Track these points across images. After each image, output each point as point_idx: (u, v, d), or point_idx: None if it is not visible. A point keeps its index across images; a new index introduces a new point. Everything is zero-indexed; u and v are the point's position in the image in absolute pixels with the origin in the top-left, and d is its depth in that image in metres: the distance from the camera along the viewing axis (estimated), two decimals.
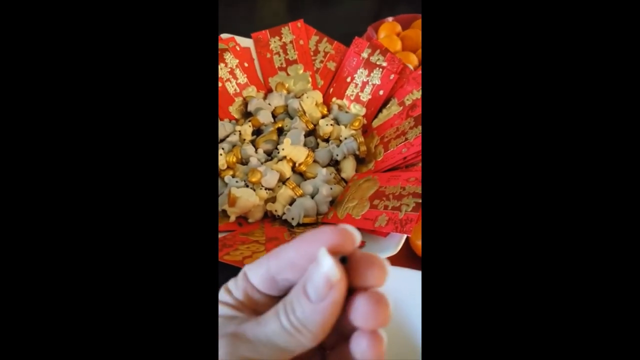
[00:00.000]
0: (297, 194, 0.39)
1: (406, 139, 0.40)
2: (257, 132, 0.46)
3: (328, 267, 0.14)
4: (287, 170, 0.40)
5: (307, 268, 0.15)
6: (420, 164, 0.38)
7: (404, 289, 0.27)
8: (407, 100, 0.45)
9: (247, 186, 0.39)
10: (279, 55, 0.49)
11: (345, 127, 0.45)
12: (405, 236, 0.31)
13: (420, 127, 0.40)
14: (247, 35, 0.49)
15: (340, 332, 0.16)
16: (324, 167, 0.42)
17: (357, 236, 0.15)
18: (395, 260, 0.36)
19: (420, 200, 0.32)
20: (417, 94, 0.44)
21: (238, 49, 0.48)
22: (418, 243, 0.37)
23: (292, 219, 0.37)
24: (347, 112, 0.48)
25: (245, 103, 0.47)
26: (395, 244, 0.31)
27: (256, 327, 0.14)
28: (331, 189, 0.39)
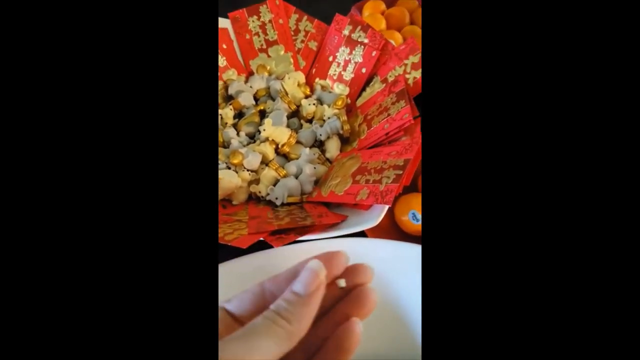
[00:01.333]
0: (281, 174, 0.39)
1: (388, 115, 0.40)
2: (239, 115, 0.46)
3: (315, 264, 0.17)
4: (269, 152, 0.40)
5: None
6: (402, 139, 0.38)
7: (388, 259, 0.28)
8: (390, 77, 0.45)
9: (230, 168, 0.39)
10: (259, 36, 0.50)
11: (329, 107, 0.45)
12: (386, 208, 0.31)
13: (402, 102, 0.40)
14: (224, 15, 0.49)
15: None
16: (307, 147, 0.42)
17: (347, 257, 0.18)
18: (381, 236, 0.36)
19: (401, 172, 0.32)
20: (400, 70, 0.44)
21: None
22: (403, 219, 0.38)
23: (276, 198, 0.38)
24: (330, 92, 0.48)
25: (226, 86, 0.48)
26: (376, 216, 0.31)
27: (241, 332, 0.16)
28: (315, 168, 0.39)
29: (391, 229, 0.38)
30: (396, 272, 0.27)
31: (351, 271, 0.19)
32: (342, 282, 0.19)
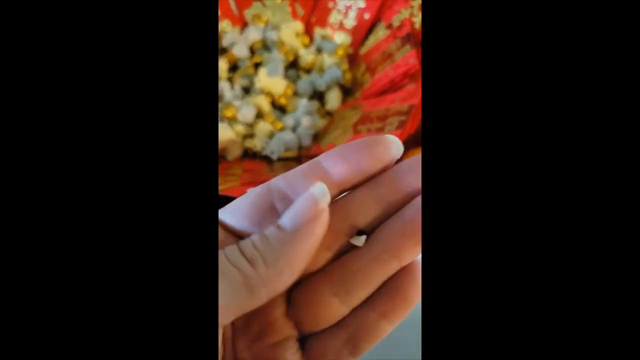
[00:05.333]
0: (277, 128, 0.39)
1: (393, 61, 0.40)
2: (234, 69, 0.46)
3: (318, 189, 0.14)
4: (264, 104, 0.40)
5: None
6: (408, 86, 0.38)
7: None
8: (395, 21, 0.44)
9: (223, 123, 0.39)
10: None
11: (329, 56, 0.44)
12: None
13: (407, 47, 0.39)
14: None
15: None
16: (305, 99, 0.42)
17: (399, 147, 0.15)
18: None
19: (404, 118, 0.32)
20: (406, 13, 0.43)
21: None
22: None
23: (272, 152, 0.37)
24: (331, 41, 0.47)
25: (219, 38, 0.47)
26: None
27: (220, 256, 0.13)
28: (313, 120, 0.39)
29: None
30: None
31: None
32: (360, 240, 0.15)
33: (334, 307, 0.15)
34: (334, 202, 0.16)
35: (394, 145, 0.15)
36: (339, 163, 0.15)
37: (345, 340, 0.15)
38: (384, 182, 0.15)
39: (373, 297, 0.15)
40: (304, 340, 0.16)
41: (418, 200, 0.15)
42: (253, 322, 0.15)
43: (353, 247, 0.16)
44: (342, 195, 0.16)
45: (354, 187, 0.16)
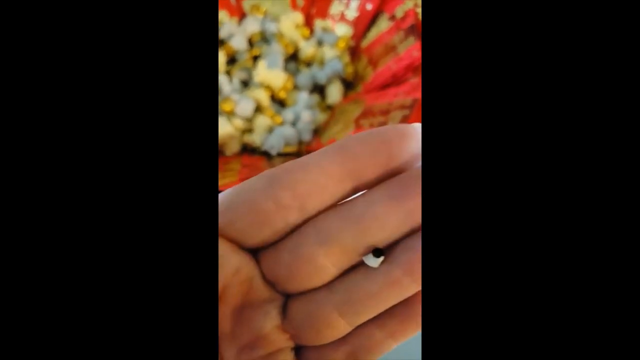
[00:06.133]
0: (276, 122, 0.39)
1: (396, 54, 0.39)
2: (232, 62, 0.45)
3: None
4: (263, 98, 0.39)
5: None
6: (412, 79, 0.37)
7: None
8: (399, 12, 0.43)
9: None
10: None
11: (330, 48, 0.44)
12: None
13: (411, 39, 0.38)
14: None
15: None
16: (306, 93, 0.41)
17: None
18: None
19: (408, 112, 0.31)
20: (410, 4, 0.43)
21: None
22: None
23: (271, 147, 0.37)
24: (332, 34, 0.46)
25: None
26: None
27: None
28: (314, 115, 0.38)
29: None
30: None
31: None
32: (375, 261, 0.13)
33: (338, 327, 0.14)
34: (346, 207, 0.13)
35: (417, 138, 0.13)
36: (357, 156, 0.13)
37: (346, 355, 0.14)
38: (412, 193, 0.13)
39: (382, 316, 0.14)
40: (299, 349, 0.15)
41: None
42: (242, 333, 0.14)
43: (364, 264, 0.14)
44: (356, 199, 0.13)
45: (369, 186, 0.13)
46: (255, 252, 0.14)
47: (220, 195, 0.13)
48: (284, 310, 0.14)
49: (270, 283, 0.14)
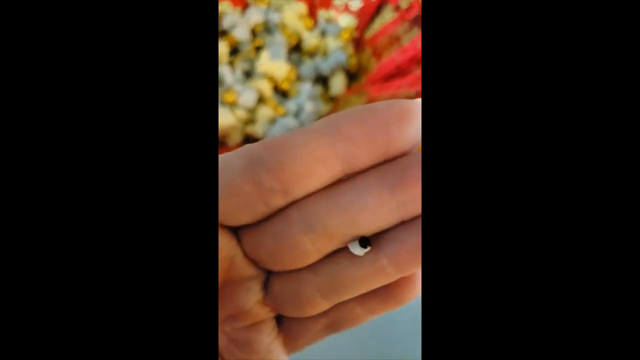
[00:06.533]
0: (279, 113, 0.38)
1: (400, 46, 0.39)
2: (234, 52, 0.45)
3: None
4: (266, 88, 0.39)
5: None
6: (416, 71, 0.37)
7: None
8: (403, 3, 0.43)
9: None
10: None
11: (334, 39, 0.43)
12: None
13: (415, 30, 0.38)
14: None
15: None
16: (309, 84, 0.41)
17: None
18: None
19: None
20: None
21: None
22: None
23: None
24: (335, 24, 0.46)
25: (219, 20, 0.46)
26: None
27: None
28: (317, 106, 0.38)
29: None
30: None
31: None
32: (360, 250, 0.12)
33: (319, 306, 0.13)
34: (334, 193, 0.12)
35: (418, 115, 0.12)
36: (350, 139, 0.11)
37: (325, 325, 0.14)
38: (407, 184, 0.12)
39: (363, 295, 0.14)
40: (280, 317, 0.15)
41: None
42: (225, 307, 0.14)
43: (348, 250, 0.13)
44: (346, 185, 0.12)
45: (361, 170, 0.12)
46: (237, 230, 0.13)
47: None
48: (266, 286, 0.14)
49: (252, 261, 0.13)
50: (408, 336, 0.25)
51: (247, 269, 0.13)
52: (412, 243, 0.12)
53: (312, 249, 0.13)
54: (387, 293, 0.14)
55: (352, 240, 0.13)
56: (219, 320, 0.14)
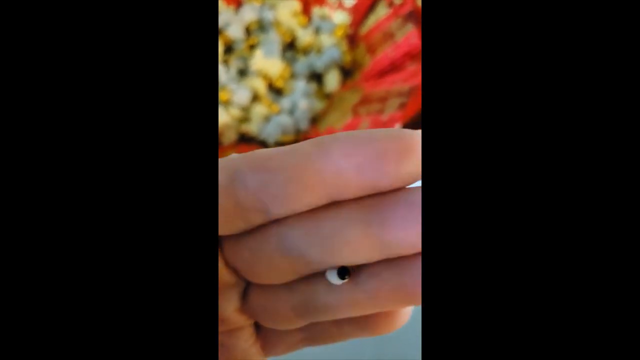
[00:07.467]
0: (274, 110, 0.38)
1: (394, 41, 0.38)
2: (229, 51, 0.44)
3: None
4: (260, 86, 0.39)
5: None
6: (409, 66, 0.36)
7: None
8: None
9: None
10: None
11: (328, 36, 0.43)
12: None
13: (409, 25, 0.38)
14: None
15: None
16: (303, 81, 0.40)
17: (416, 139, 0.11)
18: None
19: (405, 100, 0.30)
20: None
21: None
22: None
23: (269, 136, 0.36)
24: (330, 21, 0.46)
25: None
26: None
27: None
28: (311, 103, 0.38)
29: None
30: None
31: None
32: (337, 280, 0.12)
33: (293, 323, 0.13)
34: (315, 221, 0.12)
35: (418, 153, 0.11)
36: (346, 173, 0.11)
37: (301, 339, 0.14)
38: (395, 226, 0.11)
39: (339, 320, 0.13)
40: (259, 325, 0.14)
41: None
42: None
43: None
44: (328, 213, 0.12)
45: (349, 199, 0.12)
46: (220, 239, 0.13)
47: None
48: (245, 295, 0.13)
49: (232, 269, 0.13)
50: (408, 336, 0.25)
51: (227, 277, 0.13)
52: (394, 282, 0.12)
53: (289, 269, 0.12)
54: (363, 321, 0.13)
55: (331, 268, 0.12)
56: None
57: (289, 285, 0.13)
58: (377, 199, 0.11)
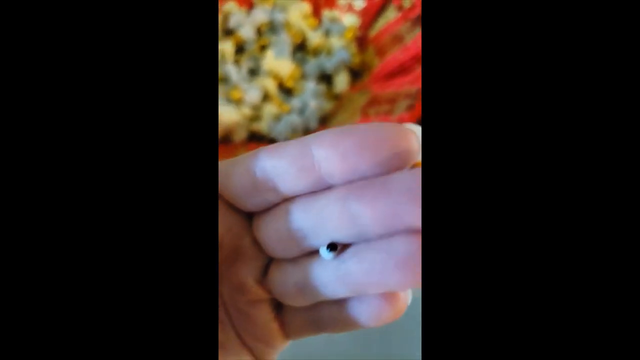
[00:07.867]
0: (284, 110, 0.38)
1: (403, 44, 0.39)
2: (240, 51, 0.45)
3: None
4: (271, 86, 0.39)
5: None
6: (418, 69, 0.37)
7: None
8: (406, 2, 0.43)
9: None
10: None
11: (338, 38, 0.43)
12: None
13: (418, 29, 0.38)
14: None
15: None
16: (313, 82, 0.41)
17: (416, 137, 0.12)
18: None
19: (413, 102, 0.31)
20: None
21: None
22: None
23: (279, 135, 0.37)
24: (339, 24, 0.46)
25: (226, 20, 0.46)
26: None
27: None
28: (321, 104, 0.38)
29: None
30: None
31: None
32: (328, 254, 0.13)
33: (297, 300, 0.14)
34: (315, 196, 0.13)
35: (412, 143, 0.12)
36: (332, 159, 0.12)
37: (310, 321, 0.15)
38: (365, 203, 0.12)
39: (338, 304, 0.14)
40: (278, 305, 0.15)
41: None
42: (231, 278, 0.15)
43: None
44: (325, 191, 0.13)
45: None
46: (250, 215, 0.15)
47: (224, 161, 0.15)
48: (266, 270, 0.15)
49: (258, 244, 0.15)
50: (408, 336, 0.25)
51: (252, 250, 0.15)
52: (368, 263, 0.13)
53: (293, 244, 0.14)
54: (361, 306, 0.14)
55: (324, 243, 0.13)
56: (229, 288, 0.15)
57: (295, 261, 0.14)
58: (359, 182, 0.13)
